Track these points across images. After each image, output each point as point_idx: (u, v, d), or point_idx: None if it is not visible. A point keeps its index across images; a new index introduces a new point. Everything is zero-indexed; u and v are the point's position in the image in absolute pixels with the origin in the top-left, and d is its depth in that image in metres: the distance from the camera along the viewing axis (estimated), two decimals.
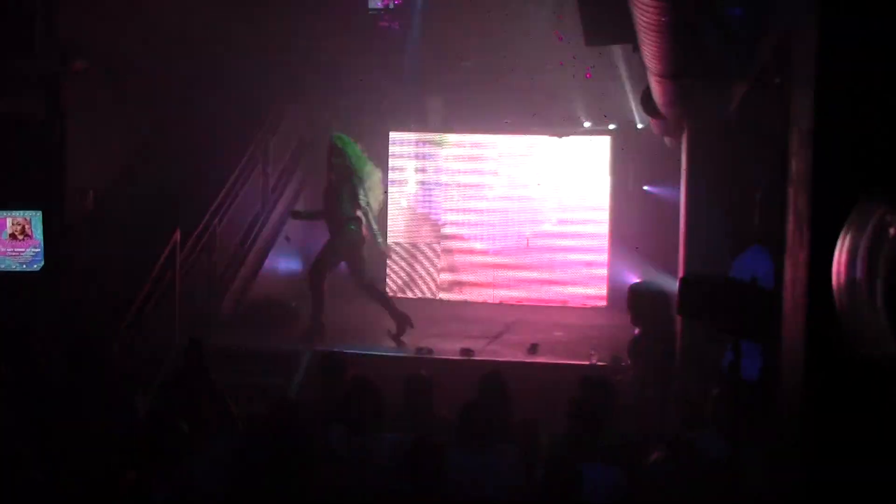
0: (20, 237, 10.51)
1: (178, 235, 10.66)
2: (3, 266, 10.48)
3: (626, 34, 7.39)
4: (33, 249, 10.56)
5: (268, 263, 12.91)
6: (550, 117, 13.87)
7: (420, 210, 14.82)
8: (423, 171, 14.82)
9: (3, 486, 5.28)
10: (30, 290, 10.13)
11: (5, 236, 10.56)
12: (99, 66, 11.15)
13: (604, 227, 14.09)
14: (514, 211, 14.53)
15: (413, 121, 14.57)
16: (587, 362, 10.01)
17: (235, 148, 12.73)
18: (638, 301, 8.78)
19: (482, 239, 14.63)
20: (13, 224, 10.56)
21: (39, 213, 10.58)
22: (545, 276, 14.33)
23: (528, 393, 7.96)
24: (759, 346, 5.83)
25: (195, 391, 6.15)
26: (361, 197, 10.98)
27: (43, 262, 10.55)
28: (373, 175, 11.13)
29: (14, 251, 10.54)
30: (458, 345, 10.65)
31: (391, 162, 14.59)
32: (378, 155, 14.41)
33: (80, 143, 11.38)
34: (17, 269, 10.50)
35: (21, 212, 10.56)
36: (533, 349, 10.61)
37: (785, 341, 3.61)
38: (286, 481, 5.07)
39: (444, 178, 14.77)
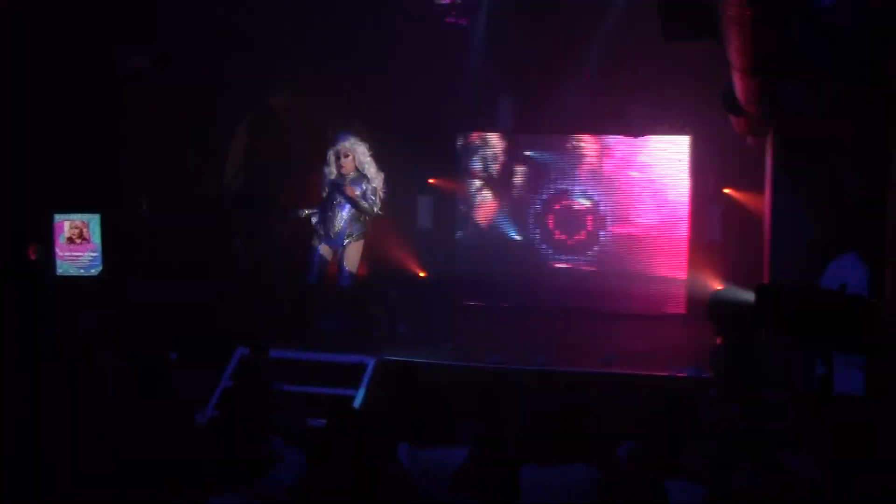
0: (78, 241, 10.65)
1: (238, 241, 10.74)
2: (60, 271, 10.60)
3: (707, 28, 7.31)
4: (91, 253, 10.70)
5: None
6: (626, 116, 13.78)
7: (490, 213, 14.80)
8: (492, 172, 14.80)
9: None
10: (87, 295, 10.25)
11: (63, 240, 10.67)
12: (159, 64, 11.25)
13: (682, 232, 13.96)
14: (589, 215, 14.45)
15: (482, 122, 14.56)
16: (666, 374, 9.91)
17: (299, 148, 12.80)
18: (720, 310, 8.68)
19: (555, 244, 14.57)
20: (71, 228, 10.69)
21: (97, 216, 10.70)
22: (621, 283, 14.23)
23: (604, 406, 7.91)
24: (859, 358, 5.69)
25: (257, 401, 6.20)
26: (366, 205, 10.97)
27: (101, 267, 10.68)
28: (377, 178, 11.07)
29: (72, 255, 10.68)
30: (532, 355, 10.59)
31: (459, 160, 14.61)
32: (446, 157, 14.51)
33: (139, 142, 11.50)
34: (75, 274, 10.65)
35: (79, 215, 10.68)
36: (608, 360, 10.53)
37: (891, 354, 3.53)
38: (351, 498, 5.06)
39: (514, 181, 14.75)
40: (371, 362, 10.26)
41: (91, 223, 10.69)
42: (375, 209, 11.05)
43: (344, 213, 10.94)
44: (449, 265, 14.62)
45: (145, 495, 6.10)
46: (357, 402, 9.70)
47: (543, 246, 14.70)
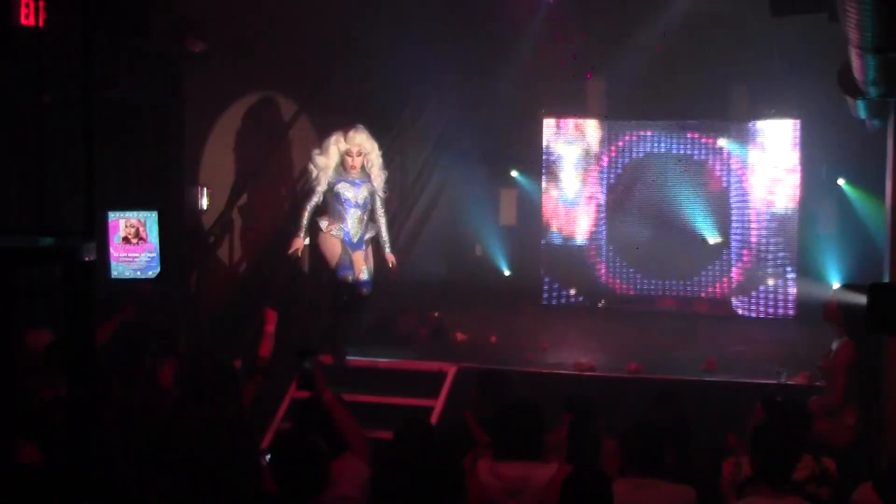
0: (134, 241, 10.71)
1: (304, 240, 10.80)
2: (115, 273, 10.70)
3: (819, 1, 7.21)
4: (148, 254, 10.75)
5: (408, 269, 13.01)
6: (730, 102, 13.65)
7: (579, 205, 14.76)
8: (581, 160, 14.74)
9: None
10: (145, 299, 10.35)
11: (118, 240, 10.71)
12: (219, 48, 11.34)
13: (792, 225, 13.77)
14: (689, 207, 14.34)
15: (571, 106, 14.52)
16: (774, 381, 9.79)
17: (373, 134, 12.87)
18: (836, 311, 8.56)
19: (651, 238, 14.49)
20: (126, 226, 10.74)
21: (155, 214, 10.75)
22: (724, 281, 14.11)
23: (705, 417, 7.85)
24: None
25: (320, 413, 6.24)
26: (380, 208, 10.79)
27: (159, 269, 10.75)
28: (379, 178, 10.81)
29: (128, 256, 10.75)
30: (624, 360, 10.54)
31: (546, 150, 14.59)
32: (531, 142, 14.49)
33: (197, 133, 11.61)
34: (132, 277, 10.72)
35: (135, 212, 10.75)
36: (710, 366, 10.43)
37: None
38: None
39: (605, 169, 14.69)
40: (451, 370, 10.30)
41: (148, 221, 10.76)
42: (382, 221, 10.76)
43: (357, 213, 10.60)
44: (533, 262, 14.62)
45: None
46: (434, 415, 9.74)
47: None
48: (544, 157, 14.62)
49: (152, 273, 10.76)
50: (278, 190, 12.72)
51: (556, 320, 13.49)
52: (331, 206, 10.62)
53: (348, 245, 10.53)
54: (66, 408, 3.83)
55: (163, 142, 11.23)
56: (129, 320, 8.60)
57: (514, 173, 15.29)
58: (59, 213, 4.08)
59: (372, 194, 10.70)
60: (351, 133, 10.56)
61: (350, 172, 10.58)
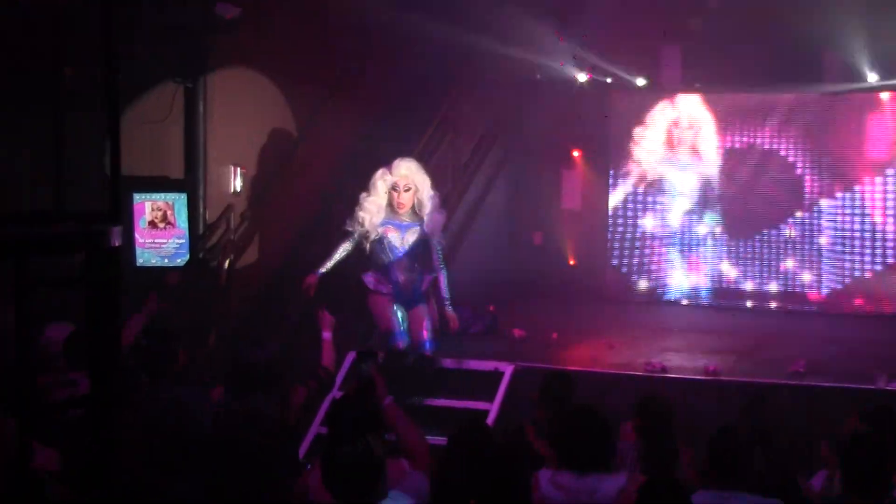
0: (161, 225, 10.75)
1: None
2: (141, 260, 10.74)
3: None
4: (177, 240, 10.79)
5: (461, 257, 13.01)
6: (822, 69, 13.51)
7: (651, 188, 14.69)
8: (655, 139, 14.67)
9: None
10: (174, 289, 10.38)
11: (143, 224, 10.76)
12: (251, 16, 11.36)
13: (891, 212, 13.64)
14: (772, 190, 14.23)
15: (641, 78, 14.45)
16: (871, 386, 9.69)
17: (418, 116, 12.85)
18: None
19: (728, 226, 14.40)
20: (153, 210, 10.78)
21: (184, 196, 10.78)
22: (812, 274, 13.99)
23: (792, 425, 7.79)
24: None
25: (373, 416, 6.23)
26: (437, 255, 10.13)
27: (188, 256, 10.79)
28: (435, 219, 10.11)
29: (154, 242, 10.79)
30: (699, 361, 10.49)
31: (614, 128, 14.53)
32: (599, 119, 14.43)
33: (226, 109, 11.62)
34: (158, 265, 10.77)
35: (162, 194, 10.79)
36: (798, 368, 10.34)
37: None
38: None
39: (680, 149, 14.60)
40: (508, 370, 10.27)
41: (176, 204, 10.80)
42: (442, 272, 10.07)
43: (405, 262, 9.94)
44: (599, 252, 14.58)
45: None
46: (491, 418, 9.72)
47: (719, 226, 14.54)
48: (613, 135, 14.54)
49: (181, 261, 10.79)
50: (310, 178, 12.68)
51: (625, 316, 13.44)
52: (374, 255, 10.01)
53: (401, 304, 9.91)
54: (84, 408, 3.84)
55: (189, 118, 11.25)
56: (153, 313, 8.59)
57: (575, 153, 15.20)
58: (81, 195, 4.10)
59: (425, 241, 9.98)
60: (396, 162, 9.94)
61: (398, 212, 9.92)
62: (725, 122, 14.42)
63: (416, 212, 10.00)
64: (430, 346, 9.95)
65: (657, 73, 14.50)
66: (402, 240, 9.94)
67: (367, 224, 9.84)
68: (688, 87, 14.48)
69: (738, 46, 13.48)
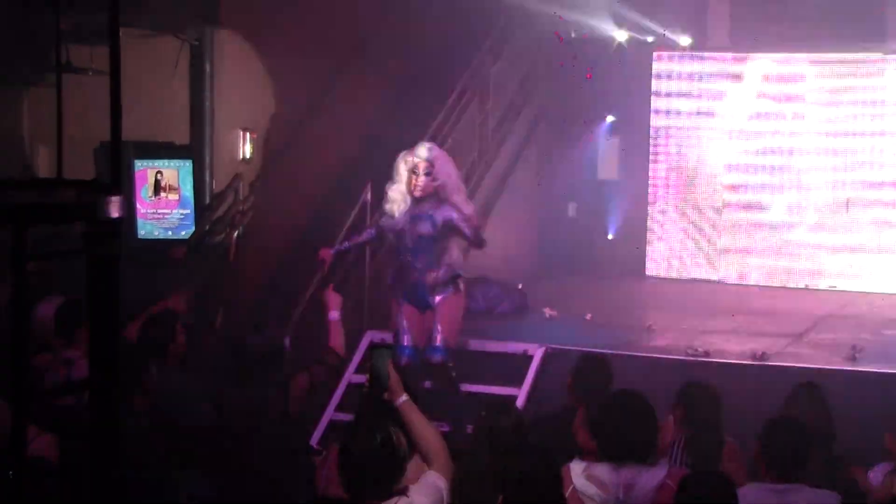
0: (165, 195, 10.76)
1: (368, 192, 10.79)
2: (143, 232, 10.75)
3: None
4: (181, 211, 10.79)
5: (488, 231, 12.97)
6: (883, 28, 13.46)
7: (692, 163, 14.66)
8: (697, 108, 14.63)
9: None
10: (177, 264, 10.40)
11: (145, 194, 10.77)
12: None
13: None
14: (827, 164, 14.18)
15: (686, 38, 14.40)
16: None
17: (443, 78, 12.83)
18: None
19: (778, 202, 14.36)
20: (155, 177, 10.79)
21: (189, 163, 10.78)
22: (871, 252, 13.95)
23: (849, 414, 7.76)
24: None
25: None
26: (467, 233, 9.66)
27: (194, 228, 10.79)
28: (460, 207, 9.70)
29: (157, 213, 10.80)
30: (747, 345, 10.47)
31: (654, 96, 14.49)
32: (636, 88, 14.39)
33: (235, 70, 11.60)
34: (162, 237, 10.78)
35: (165, 161, 10.79)
36: (854, 353, 10.32)
37: None
38: None
39: (725, 119, 14.55)
40: (539, 352, 10.27)
41: (181, 171, 10.80)
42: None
43: (417, 255, 9.56)
44: (638, 225, 14.56)
45: None
46: (519, 404, 9.70)
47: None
48: (654, 99, 14.49)
49: (185, 233, 10.79)
50: (325, 151, 12.67)
51: (665, 295, 13.42)
52: (394, 249, 9.83)
53: (414, 304, 9.57)
54: (82, 392, 3.85)
55: (195, 77, 11.24)
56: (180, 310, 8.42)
57: (610, 118, 15.11)
58: (79, 161, 4.11)
59: (444, 231, 9.51)
60: (419, 145, 9.66)
61: (416, 199, 9.50)
62: (776, 83, 14.35)
63: (437, 200, 9.52)
64: (441, 355, 9.45)
65: (703, 31, 14.42)
66: (416, 230, 9.50)
67: (397, 214, 9.50)
68: (735, 47, 14.40)
69: (789, 4, 13.44)
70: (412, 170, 9.49)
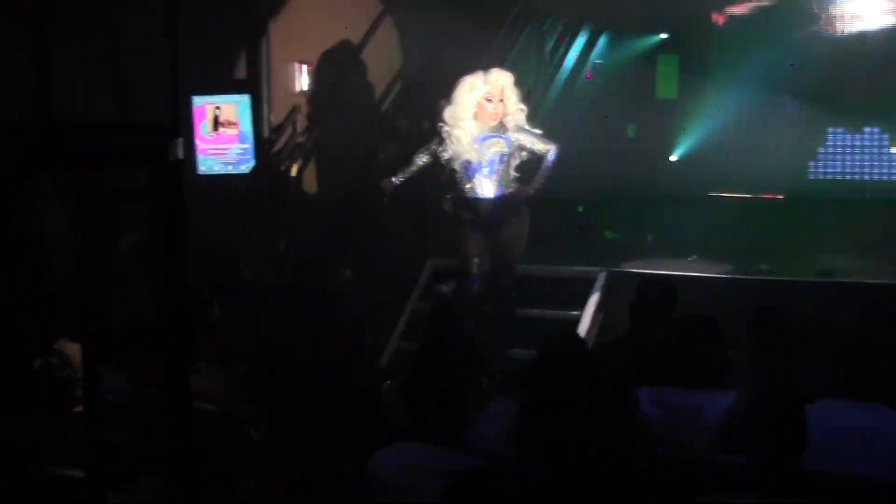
0: (225, 129, 10.76)
1: (425, 121, 10.76)
2: (204, 168, 10.79)
3: None
4: (241, 145, 10.81)
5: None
6: None
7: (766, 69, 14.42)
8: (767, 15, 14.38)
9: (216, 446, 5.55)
10: (238, 199, 10.41)
11: (204, 130, 10.78)
12: None
13: None
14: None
15: None
16: None
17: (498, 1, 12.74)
18: None
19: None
20: (214, 112, 10.79)
21: (247, 98, 10.79)
22: None
23: None
24: None
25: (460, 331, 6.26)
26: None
27: (254, 163, 10.80)
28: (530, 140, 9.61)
29: (217, 149, 10.81)
30: (815, 263, 10.38)
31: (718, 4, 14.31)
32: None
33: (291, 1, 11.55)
34: (222, 172, 10.80)
35: (224, 96, 10.79)
36: None
37: None
38: (575, 454, 5.04)
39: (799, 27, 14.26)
40: (601, 276, 10.24)
41: (239, 106, 10.80)
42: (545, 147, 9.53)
43: (491, 178, 9.46)
44: (701, 144, 14.40)
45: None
46: (582, 329, 9.69)
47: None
48: (712, 14, 14.31)
49: (246, 168, 10.82)
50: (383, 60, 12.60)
51: (729, 215, 13.31)
52: (453, 174, 9.59)
53: (483, 230, 9.41)
54: (152, 333, 3.89)
55: (251, 10, 11.20)
56: None
57: (665, 35, 14.88)
58: (137, 101, 4.11)
59: (512, 149, 9.43)
60: (492, 70, 9.44)
61: (487, 125, 9.37)
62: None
63: (502, 125, 9.43)
64: (506, 280, 9.46)
65: None
66: (486, 153, 9.39)
67: (464, 142, 9.34)
68: None
69: None
70: (487, 98, 9.34)
